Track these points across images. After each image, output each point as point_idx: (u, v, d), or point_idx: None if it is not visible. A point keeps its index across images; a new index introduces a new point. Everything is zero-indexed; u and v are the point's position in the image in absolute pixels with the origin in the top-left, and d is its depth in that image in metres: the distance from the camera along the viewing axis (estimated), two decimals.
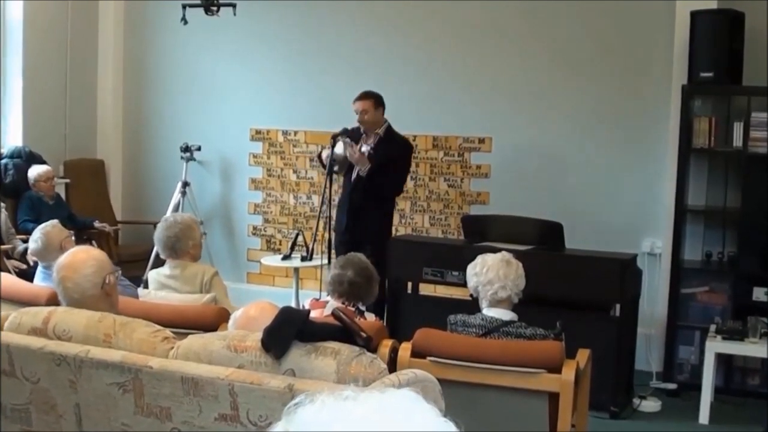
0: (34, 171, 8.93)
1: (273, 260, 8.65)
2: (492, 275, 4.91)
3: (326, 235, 7.77)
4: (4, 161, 9.13)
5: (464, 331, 4.90)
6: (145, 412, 3.46)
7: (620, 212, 8.22)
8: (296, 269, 8.39)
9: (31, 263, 7.68)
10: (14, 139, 9.45)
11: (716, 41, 7.31)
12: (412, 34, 8.99)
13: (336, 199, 8.06)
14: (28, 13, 9.45)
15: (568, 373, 4.48)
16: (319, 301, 5.51)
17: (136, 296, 5.51)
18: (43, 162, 9.19)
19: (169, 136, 10.12)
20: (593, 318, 6.73)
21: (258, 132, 9.74)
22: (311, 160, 9.17)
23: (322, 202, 7.76)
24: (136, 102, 10.42)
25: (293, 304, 7.87)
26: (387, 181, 7.82)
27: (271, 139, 9.69)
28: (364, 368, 3.29)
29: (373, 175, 7.68)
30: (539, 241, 7.07)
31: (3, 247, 8.04)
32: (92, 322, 3.76)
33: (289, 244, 8.65)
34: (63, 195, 9.59)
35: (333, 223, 7.84)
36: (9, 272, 7.14)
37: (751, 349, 6.80)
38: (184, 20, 8.10)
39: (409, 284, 7.61)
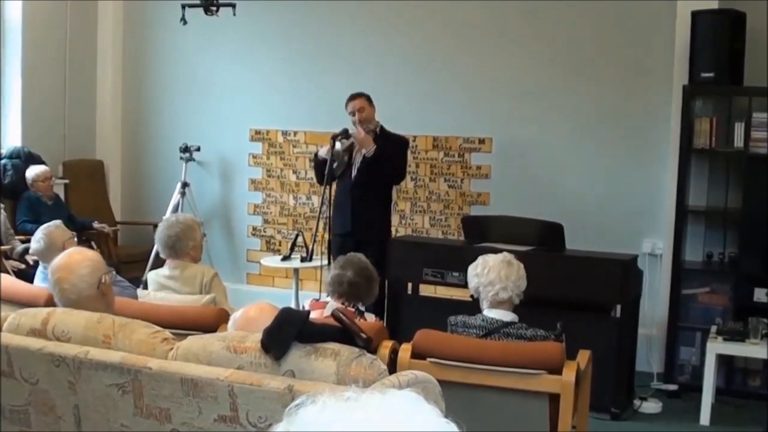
0: (33, 171, 8.92)
1: (273, 261, 8.64)
2: (493, 276, 4.90)
3: (326, 236, 7.74)
4: (2, 161, 9.12)
5: (464, 332, 4.89)
6: (145, 414, 3.45)
7: (621, 213, 8.21)
8: (296, 270, 8.37)
9: (30, 263, 7.68)
10: (13, 139, 9.44)
11: (717, 41, 7.30)
12: (411, 34, 8.98)
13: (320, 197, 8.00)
14: (27, 14, 9.44)
15: (569, 374, 4.48)
16: (319, 302, 5.50)
17: (136, 297, 5.49)
18: (42, 162, 9.18)
19: (168, 136, 10.11)
20: (594, 319, 6.72)
21: (257, 132, 9.73)
22: (311, 160, 9.15)
23: (322, 203, 7.74)
24: (136, 102, 10.41)
25: (293, 305, 7.86)
26: (392, 164, 7.77)
27: (270, 139, 9.68)
28: (364, 369, 3.29)
29: (379, 157, 7.63)
30: (539, 242, 7.06)
31: (2, 247, 8.02)
32: (91, 323, 3.75)
33: (289, 245, 8.64)
34: (62, 195, 9.58)
35: (333, 220, 7.77)
36: (8, 272, 7.13)
37: (752, 350, 6.79)
38: (184, 20, 8.08)
39: (410, 285, 7.59)
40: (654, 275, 7.90)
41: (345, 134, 7.73)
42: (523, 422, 4.63)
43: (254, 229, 9.85)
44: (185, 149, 9.74)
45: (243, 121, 9.76)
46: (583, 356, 4.87)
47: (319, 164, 7.90)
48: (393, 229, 8.80)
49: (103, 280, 4.24)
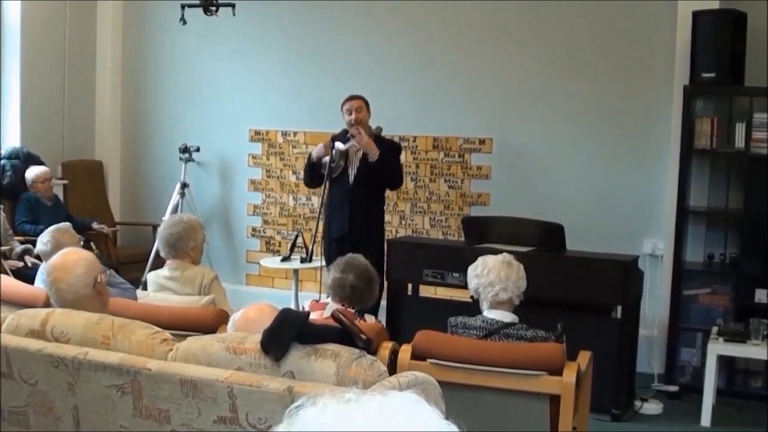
0: (32, 172, 8.91)
1: (272, 262, 8.63)
2: (493, 277, 4.90)
3: (320, 238, 7.73)
4: (2, 162, 9.11)
5: (465, 333, 4.89)
6: (144, 415, 3.45)
7: (621, 213, 8.19)
8: (296, 271, 8.36)
9: (29, 264, 7.67)
10: (12, 139, 9.42)
11: (718, 41, 7.28)
12: (411, 34, 8.97)
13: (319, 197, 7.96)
14: (26, 14, 9.43)
15: (569, 375, 4.47)
16: (318, 303, 5.48)
17: (136, 299, 5.48)
18: (41, 163, 9.17)
19: (167, 136, 10.10)
20: (594, 320, 6.71)
21: (257, 133, 9.72)
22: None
23: (322, 203, 7.72)
24: (135, 102, 10.40)
25: (293, 306, 7.84)
26: (393, 170, 7.75)
27: (270, 140, 9.66)
28: (364, 370, 3.29)
29: (382, 162, 7.60)
30: (540, 243, 7.05)
31: (1, 248, 8.01)
32: (90, 323, 3.76)
33: (289, 246, 8.62)
34: (61, 196, 9.58)
35: (330, 223, 7.74)
36: (6, 273, 7.12)
37: (753, 351, 6.78)
38: (183, 20, 8.06)
39: (410, 286, 7.58)
40: (655, 276, 7.89)
41: (343, 137, 7.67)
42: (524, 423, 4.62)
43: (254, 229, 9.83)
44: (185, 150, 9.73)
45: (242, 121, 9.75)
46: (584, 357, 4.87)
47: (312, 165, 7.83)
48: (393, 230, 8.81)
49: (98, 280, 4.26)
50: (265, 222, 9.77)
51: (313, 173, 7.85)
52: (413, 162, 8.95)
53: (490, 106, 8.70)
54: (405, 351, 4.69)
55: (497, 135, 8.70)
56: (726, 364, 7.24)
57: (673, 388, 7.43)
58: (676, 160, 7.58)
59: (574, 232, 7.18)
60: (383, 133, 7.83)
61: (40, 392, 3.65)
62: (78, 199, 9.87)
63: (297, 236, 8.64)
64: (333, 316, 3.88)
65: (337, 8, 9.19)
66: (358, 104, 7.68)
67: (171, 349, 3.59)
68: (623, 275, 6.72)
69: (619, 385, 6.78)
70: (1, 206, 8.47)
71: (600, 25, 8.27)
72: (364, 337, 3.58)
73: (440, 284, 7.33)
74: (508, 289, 4.88)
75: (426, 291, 7.77)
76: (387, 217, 8.54)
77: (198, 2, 7.86)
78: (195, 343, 3.57)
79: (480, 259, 5.04)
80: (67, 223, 6.46)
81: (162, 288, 5.74)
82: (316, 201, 9.04)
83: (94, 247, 8.03)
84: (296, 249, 8.45)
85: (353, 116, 7.62)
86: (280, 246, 9.56)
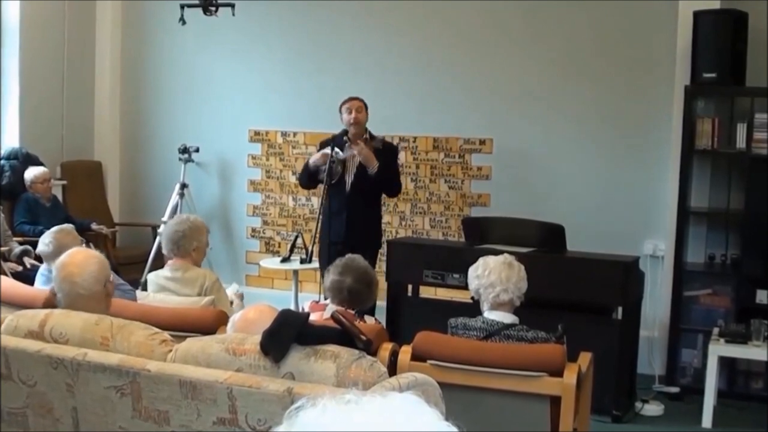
0: (31, 173, 8.90)
1: (272, 263, 8.60)
2: (494, 278, 4.89)
3: (326, 238, 7.72)
4: (0, 162, 9.09)
5: (465, 334, 4.87)
6: (143, 416, 3.46)
7: (622, 214, 8.18)
8: (295, 272, 8.34)
9: (28, 266, 7.65)
10: (11, 140, 9.41)
11: (719, 41, 7.27)
12: (411, 34, 8.96)
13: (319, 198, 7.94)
14: (25, 14, 9.42)
15: (570, 376, 4.47)
16: (318, 304, 5.47)
17: (135, 300, 5.47)
18: (40, 163, 9.16)
19: (167, 137, 10.08)
20: (595, 321, 6.71)
21: (257, 133, 9.70)
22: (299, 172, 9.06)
23: (321, 204, 7.71)
24: (134, 103, 10.39)
25: (292, 307, 7.83)
26: (392, 179, 7.74)
27: (270, 140, 9.65)
28: (364, 371, 3.29)
29: (380, 173, 7.58)
30: (540, 244, 7.04)
31: (0, 249, 8.00)
32: (89, 325, 3.76)
33: (288, 247, 8.60)
34: (60, 197, 9.57)
35: (328, 227, 7.70)
36: (5, 274, 7.11)
37: (755, 352, 6.77)
38: (183, 20, 8.05)
39: (410, 287, 7.57)
40: (656, 277, 7.88)
41: (341, 139, 7.63)
42: (524, 425, 4.61)
43: (253, 230, 9.82)
44: (184, 150, 9.71)
45: (242, 121, 9.74)
46: (584, 358, 4.87)
47: (310, 173, 7.79)
48: (393, 231, 8.79)
49: (110, 279, 4.33)
50: (265, 223, 9.75)
51: (311, 178, 7.83)
52: (413, 162, 8.94)
53: (491, 107, 8.69)
54: (405, 352, 4.68)
55: (497, 135, 8.69)
56: (727, 365, 7.23)
57: (674, 390, 7.42)
58: (676, 160, 7.57)
59: (574, 232, 7.17)
60: (377, 129, 7.79)
61: (39, 393, 3.65)
62: (77, 199, 9.86)
63: (297, 237, 8.62)
64: (333, 317, 3.87)
65: (336, 8, 9.18)
66: (358, 104, 7.66)
67: (170, 350, 3.60)
68: (624, 276, 6.70)
69: (620, 387, 6.77)
70: (0, 207, 8.47)
71: (600, 25, 8.26)
72: (364, 338, 3.58)
73: (440, 285, 7.31)
74: (509, 290, 4.87)
75: (426, 292, 7.76)
76: (387, 218, 8.55)
77: (197, 2, 7.85)
78: (194, 344, 3.57)
79: (481, 260, 5.02)
80: (70, 225, 6.45)
81: (162, 288, 5.74)
82: (315, 202, 9.02)
83: (93, 247, 8.00)
84: (296, 250, 8.44)
85: (353, 115, 7.59)
86: (279, 247, 9.55)
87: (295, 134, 9.51)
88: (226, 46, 9.70)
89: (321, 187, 7.74)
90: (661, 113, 7.95)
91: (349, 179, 7.65)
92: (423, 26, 8.91)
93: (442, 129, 8.90)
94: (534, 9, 8.43)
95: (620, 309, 6.81)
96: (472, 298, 5.11)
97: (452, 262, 6.97)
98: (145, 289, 5.98)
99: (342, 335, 3.53)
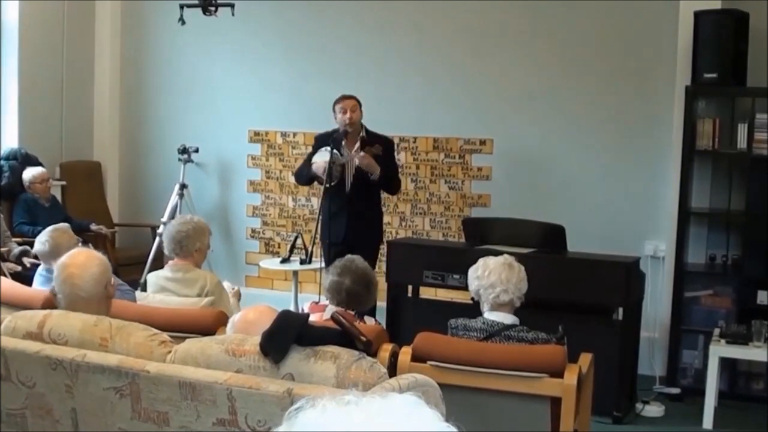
0: (30, 173, 8.89)
1: (272, 263, 8.59)
2: (494, 278, 4.88)
3: (318, 242, 7.71)
4: None
5: (465, 335, 4.87)
6: (143, 417, 3.45)
7: (623, 215, 8.17)
8: (295, 272, 8.34)
9: (27, 266, 7.63)
10: (10, 140, 9.39)
11: (720, 42, 7.26)
12: (411, 35, 8.94)
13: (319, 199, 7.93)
14: (24, 14, 9.40)
15: (571, 377, 4.46)
16: (318, 305, 5.47)
17: (134, 301, 5.46)
18: (39, 164, 9.15)
19: (166, 137, 10.07)
20: (596, 322, 6.70)
21: (256, 134, 9.69)
22: (296, 172, 9.03)
23: (321, 205, 7.69)
24: (134, 103, 10.37)
25: (292, 308, 7.82)
26: (394, 180, 7.74)
27: (269, 140, 9.63)
28: (364, 373, 3.29)
29: (384, 178, 7.57)
30: (541, 244, 7.03)
31: None
32: (88, 326, 3.75)
33: (288, 247, 8.59)
34: (59, 197, 9.55)
35: (328, 228, 7.69)
36: (4, 274, 7.10)
37: (756, 353, 6.75)
38: (182, 20, 8.03)
39: (410, 288, 7.56)
40: (656, 278, 7.86)
41: (330, 137, 7.61)
42: (525, 426, 4.61)
43: (253, 231, 9.81)
44: (183, 150, 9.69)
45: (242, 122, 9.72)
46: (585, 359, 4.87)
47: (310, 177, 7.79)
48: (393, 231, 8.77)
49: (111, 282, 4.30)
50: (265, 223, 9.74)
51: (310, 180, 7.86)
52: (413, 163, 8.93)
53: (491, 107, 8.68)
54: (405, 353, 4.67)
55: (498, 136, 8.67)
56: (728, 366, 7.23)
57: (675, 391, 7.41)
58: (677, 161, 7.56)
59: (575, 233, 7.16)
60: (371, 128, 7.78)
61: (38, 394, 3.64)
62: (76, 200, 9.84)
63: (296, 238, 8.61)
64: (333, 318, 3.86)
65: (336, 8, 9.17)
66: (353, 104, 7.64)
67: (170, 351, 3.59)
68: (625, 277, 6.69)
69: (621, 388, 6.76)
70: None
71: (601, 25, 8.24)
72: (363, 339, 3.57)
73: (440, 286, 7.31)
74: (509, 291, 4.87)
75: (426, 293, 7.75)
76: (387, 219, 8.53)
77: (197, 2, 7.83)
78: (194, 345, 3.57)
79: (481, 261, 5.02)
80: (65, 224, 6.44)
81: (162, 289, 5.74)
82: (315, 202, 9.01)
83: (92, 248, 7.99)
84: (296, 250, 8.43)
85: (348, 116, 7.57)
86: (279, 247, 9.54)
87: (294, 134, 9.50)
88: (225, 46, 9.69)
89: (321, 187, 7.72)
90: (662, 114, 7.94)
91: (348, 180, 7.64)
92: (423, 26, 8.90)
93: (442, 129, 8.88)
94: (534, 9, 8.42)
95: (621, 310, 6.80)
96: (473, 299, 5.11)
97: (452, 262, 6.96)
98: (144, 289, 5.97)
99: (342, 336, 3.53)
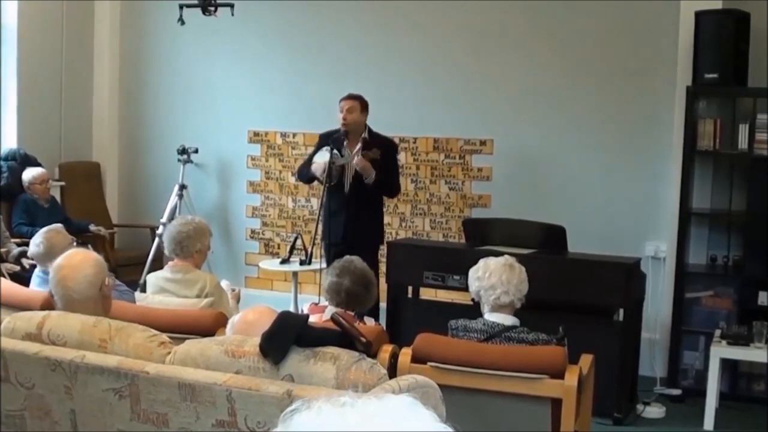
0: (29, 174, 8.88)
1: (271, 264, 8.58)
2: (494, 280, 4.87)
3: (319, 241, 7.70)
4: None
5: (465, 336, 4.86)
6: (142, 419, 3.45)
7: (624, 215, 8.16)
8: (295, 273, 8.33)
9: (26, 267, 7.62)
10: (9, 141, 9.38)
11: (721, 42, 7.24)
12: (412, 35, 8.94)
13: (319, 200, 7.92)
14: (23, 15, 9.40)
15: (571, 378, 4.45)
16: (318, 306, 5.46)
17: (133, 302, 5.45)
18: (38, 164, 9.14)
19: (165, 138, 10.06)
20: (596, 323, 6.69)
21: (256, 134, 9.68)
22: (297, 169, 9.01)
23: (321, 205, 7.68)
24: (133, 103, 10.36)
25: (292, 309, 7.81)
26: (391, 184, 7.73)
27: (269, 141, 9.62)
28: (364, 374, 3.29)
29: (379, 182, 7.56)
30: (541, 245, 7.02)
31: None
32: (87, 327, 3.75)
33: (288, 248, 8.58)
34: (58, 198, 9.54)
35: (329, 228, 7.69)
36: (3, 275, 7.09)
37: (757, 354, 6.74)
38: (181, 21, 8.03)
39: (410, 289, 7.54)
40: (657, 278, 7.85)
41: (341, 138, 7.62)
42: (525, 427, 4.60)
43: (253, 231, 9.79)
44: (183, 151, 9.69)
45: (241, 122, 9.71)
46: (586, 360, 4.86)
47: (310, 178, 7.80)
48: (393, 232, 8.75)
49: (106, 282, 4.27)
50: (264, 224, 9.73)
51: (310, 179, 7.85)
52: (413, 163, 8.92)
53: (491, 107, 8.67)
54: (405, 354, 4.66)
55: (498, 136, 8.66)
56: (729, 367, 7.22)
57: (676, 392, 7.39)
58: (678, 161, 7.55)
59: (575, 234, 7.15)
60: (377, 129, 7.77)
61: (36, 396, 3.64)
62: (75, 200, 9.83)
63: (296, 238, 8.60)
64: (332, 318, 3.85)
65: (336, 8, 9.16)
66: (351, 105, 7.61)
67: (169, 352, 3.59)
68: (625, 278, 6.68)
69: (622, 389, 6.75)
70: None
71: (602, 25, 8.23)
72: (363, 340, 3.56)
73: (441, 287, 7.30)
74: (510, 293, 4.86)
75: (426, 293, 7.74)
76: (387, 219, 8.51)
77: (196, 2, 7.83)
78: (193, 346, 3.56)
79: (481, 262, 5.01)
80: (59, 225, 6.41)
81: (161, 290, 5.73)
82: (315, 203, 9.00)
83: (91, 249, 7.99)
84: (295, 251, 8.42)
85: (343, 115, 7.57)
86: (279, 248, 9.52)
87: (294, 135, 9.48)
88: (225, 46, 9.68)
89: (321, 188, 7.72)
90: (663, 114, 7.93)
91: (347, 181, 7.63)
92: (423, 26, 8.89)
93: (442, 130, 8.87)
94: (535, 9, 8.41)
95: (622, 311, 6.79)
96: (473, 299, 5.09)
97: (453, 263, 6.95)
98: (144, 290, 5.96)
99: (342, 337, 3.52)
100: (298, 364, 3.33)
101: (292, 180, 9.47)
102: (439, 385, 3.36)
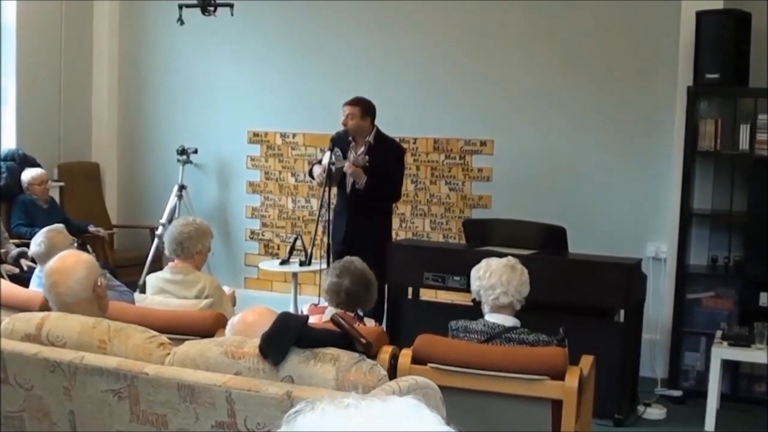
0: (28, 174, 8.87)
1: (271, 265, 8.58)
2: (494, 280, 4.87)
3: (325, 240, 7.69)
4: None
5: (466, 337, 4.85)
6: (141, 420, 3.45)
7: (624, 216, 8.15)
8: (295, 274, 8.32)
9: (25, 268, 7.61)
10: (8, 141, 9.37)
11: (722, 42, 7.24)
12: (412, 35, 8.93)
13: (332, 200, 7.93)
14: (21, 15, 9.40)
15: (572, 379, 4.45)
16: (318, 307, 5.45)
17: (133, 302, 5.44)
18: (37, 165, 9.13)
19: (165, 138, 10.05)
20: (597, 324, 6.68)
21: (256, 134, 9.67)
22: (309, 163, 9.04)
23: (321, 206, 7.68)
24: (132, 104, 10.36)
25: (292, 310, 7.80)
26: (384, 192, 7.72)
27: (269, 141, 9.61)
28: (364, 375, 3.29)
29: (371, 188, 7.56)
30: (542, 246, 7.01)
31: None
32: (86, 328, 3.75)
33: (288, 249, 8.57)
34: (57, 198, 9.52)
35: (332, 228, 7.71)
36: (2, 276, 7.09)
37: (758, 355, 6.73)
38: (181, 21, 8.02)
39: (410, 289, 7.54)
40: (658, 279, 7.84)
41: (343, 138, 7.64)
42: (526, 428, 4.60)
43: (252, 232, 9.78)
44: (182, 151, 9.67)
45: (241, 123, 9.70)
46: (586, 362, 4.86)
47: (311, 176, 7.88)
48: (393, 233, 8.73)
49: (98, 283, 4.24)
50: (264, 225, 9.72)
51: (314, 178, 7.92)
52: (414, 164, 8.90)
53: (491, 108, 8.66)
54: (405, 355, 4.65)
55: (498, 137, 8.65)
56: (730, 368, 7.21)
57: (677, 393, 7.38)
58: (679, 162, 7.54)
59: (576, 234, 7.14)
60: (385, 131, 7.79)
61: (35, 397, 3.64)
62: (74, 201, 9.82)
63: (296, 239, 8.60)
64: (332, 319, 3.84)
65: (336, 9, 9.15)
66: (350, 111, 7.64)
67: (168, 354, 3.59)
68: (626, 279, 6.67)
69: (622, 390, 6.74)
70: None
71: (602, 25, 8.23)
72: (363, 341, 3.55)
73: (441, 287, 7.29)
74: (509, 293, 4.85)
75: (426, 294, 7.73)
76: None
77: (196, 2, 7.82)
78: (193, 347, 3.56)
79: (484, 262, 5.01)
80: (60, 225, 6.42)
81: (161, 291, 5.73)
82: (315, 203, 8.99)
83: (90, 249, 7.97)
84: (295, 252, 8.41)
85: (343, 121, 7.61)
86: (278, 249, 9.51)
87: (294, 135, 9.47)
88: (224, 46, 9.67)
89: (320, 188, 7.72)
90: (664, 114, 7.92)
91: (349, 182, 7.66)
92: (423, 26, 8.88)
93: (442, 130, 8.86)
94: (535, 9, 8.40)
95: (622, 312, 6.80)
96: (473, 300, 5.09)
97: (453, 264, 6.94)
98: (143, 291, 5.95)
99: (342, 338, 3.51)
100: (298, 365, 3.32)
101: (292, 180, 9.47)
102: (439, 386, 3.35)
